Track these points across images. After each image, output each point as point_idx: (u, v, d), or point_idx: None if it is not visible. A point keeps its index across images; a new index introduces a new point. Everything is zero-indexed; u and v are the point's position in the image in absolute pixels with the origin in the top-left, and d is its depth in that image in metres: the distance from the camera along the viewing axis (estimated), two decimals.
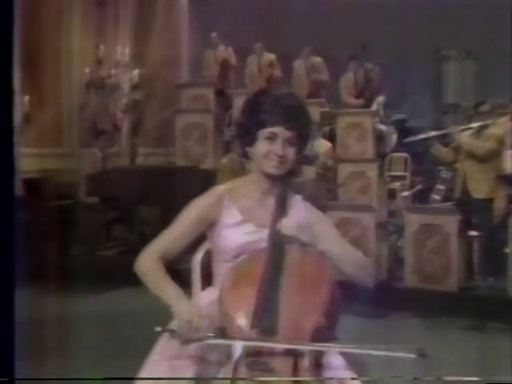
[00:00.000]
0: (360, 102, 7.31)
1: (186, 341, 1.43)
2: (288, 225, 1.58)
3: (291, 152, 1.64)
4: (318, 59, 7.59)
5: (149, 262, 1.61)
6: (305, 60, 7.57)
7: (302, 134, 1.66)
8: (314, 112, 6.20)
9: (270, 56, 7.73)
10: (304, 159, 1.73)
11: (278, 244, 1.58)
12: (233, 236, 1.65)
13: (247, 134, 1.67)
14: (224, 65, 7.78)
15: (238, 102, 6.35)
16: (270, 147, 1.63)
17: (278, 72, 7.69)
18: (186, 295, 1.55)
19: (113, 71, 6.85)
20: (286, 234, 1.57)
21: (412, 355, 1.35)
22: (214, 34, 7.71)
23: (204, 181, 5.42)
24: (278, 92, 1.67)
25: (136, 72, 6.87)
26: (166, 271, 1.61)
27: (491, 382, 1.44)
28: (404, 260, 4.87)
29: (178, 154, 6.46)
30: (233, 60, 7.81)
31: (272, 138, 1.63)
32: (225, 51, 7.86)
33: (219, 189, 1.71)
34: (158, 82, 7.25)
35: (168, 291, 1.55)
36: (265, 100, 1.63)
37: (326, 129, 6.74)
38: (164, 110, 7.12)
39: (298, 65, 7.60)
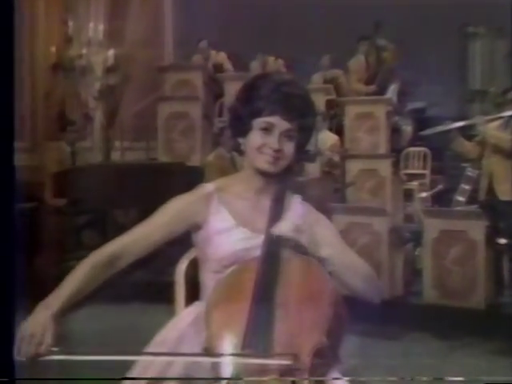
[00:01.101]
0: (372, 88, 7.37)
1: (30, 356, 1.41)
2: (284, 227, 1.62)
3: (289, 147, 1.67)
4: (337, 71, 7.66)
5: (84, 264, 1.61)
6: (325, 72, 7.66)
7: (303, 127, 1.69)
8: (319, 100, 6.26)
9: (277, 63, 7.84)
10: (305, 155, 1.75)
11: (273, 251, 1.60)
12: (224, 243, 1.67)
13: (240, 123, 1.70)
14: (217, 69, 7.81)
15: (231, 89, 6.40)
16: (265, 139, 1.66)
17: None
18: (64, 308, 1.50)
19: (84, 51, 6.86)
20: (281, 236, 1.60)
21: None
22: (203, 43, 7.65)
23: (191, 180, 5.45)
24: (279, 77, 1.71)
25: (111, 52, 6.87)
26: (103, 278, 1.60)
27: (491, 381, 1.48)
28: (422, 272, 4.91)
29: (160, 148, 6.51)
30: (227, 65, 7.87)
31: (268, 128, 1.66)
32: (217, 55, 7.92)
33: (207, 187, 1.74)
34: (136, 64, 7.26)
35: (54, 294, 1.53)
36: (263, 85, 1.66)
37: (333, 120, 6.80)
38: (144, 97, 7.14)
39: (317, 79, 7.65)
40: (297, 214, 1.72)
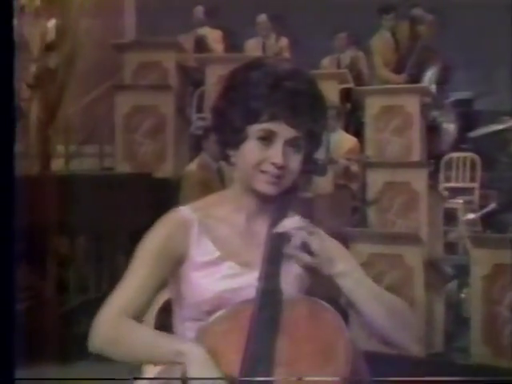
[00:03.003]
0: (403, 77, 7.41)
1: None
2: (290, 223, 1.68)
3: (296, 160, 1.71)
4: (356, 53, 7.79)
5: (117, 324, 1.66)
6: (340, 54, 7.77)
7: (312, 133, 1.73)
8: (332, 89, 6.33)
9: (282, 41, 7.96)
10: (313, 167, 1.79)
11: (273, 292, 1.65)
12: (206, 281, 1.72)
13: (229, 130, 1.73)
14: (200, 44, 7.94)
15: (214, 75, 6.46)
16: (265, 153, 1.69)
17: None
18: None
19: (15, 22, 6.87)
20: (287, 233, 1.66)
21: None
22: (198, 11, 7.86)
23: (160, 197, 5.49)
24: (280, 67, 1.73)
25: (52, 23, 6.87)
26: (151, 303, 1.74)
27: (491, 381, 1.57)
28: (469, 321, 4.93)
29: (118, 154, 6.52)
30: (213, 44, 8.00)
31: (268, 138, 1.69)
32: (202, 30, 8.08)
33: (184, 211, 1.77)
34: (86, 39, 7.29)
35: (165, 340, 1.65)
36: (259, 79, 1.69)
37: (350, 116, 6.87)
38: (96, 85, 7.19)
39: (330, 62, 7.79)
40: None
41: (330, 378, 1.55)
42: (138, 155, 6.43)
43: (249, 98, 1.69)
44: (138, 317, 1.70)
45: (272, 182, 1.70)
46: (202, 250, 1.74)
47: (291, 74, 1.72)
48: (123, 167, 6.42)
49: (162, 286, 1.75)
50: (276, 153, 1.68)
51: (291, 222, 1.69)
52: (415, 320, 1.77)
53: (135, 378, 1.76)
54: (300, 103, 1.69)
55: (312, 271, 1.75)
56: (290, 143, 1.70)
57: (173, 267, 1.75)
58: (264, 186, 1.71)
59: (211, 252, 1.74)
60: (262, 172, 1.70)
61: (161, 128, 6.47)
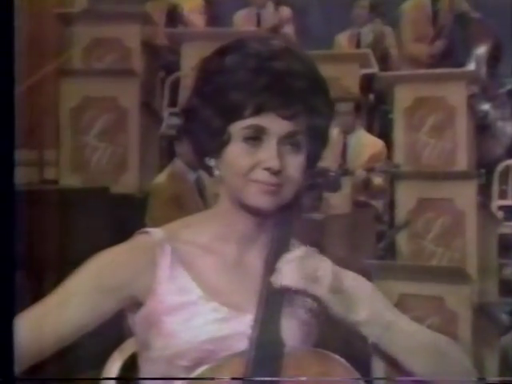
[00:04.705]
0: (439, 46, 7.49)
1: None
2: (291, 274, 1.68)
3: (296, 164, 1.72)
4: (381, 28, 7.88)
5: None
6: (359, 29, 7.87)
7: (314, 127, 1.75)
8: (350, 75, 6.38)
9: (282, 11, 8.04)
10: (323, 178, 1.82)
11: (271, 343, 1.66)
12: (182, 328, 1.72)
13: (207, 134, 1.75)
14: (174, 16, 7.99)
15: (191, 57, 6.46)
16: (255, 157, 1.70)
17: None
18: None
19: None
20: (287, 287, 1.67)
21: None
22: None
23: (119, 218, 5.49)
24: (264, 47, 1.75)
25: None
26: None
27: (491, 381, 1.65)
28: None
29: (64, 162, 6.50)
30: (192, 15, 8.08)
31: (257, 137, 1.71)
32: None
33: (154, 235, 1.79)
34: (20, 10, 7.34)
35: None
36: (237, 63, 1.71)
37: (373, 111, 6.92)
38: (33, 69, 7.21)
39: (347, 39, 7.89)
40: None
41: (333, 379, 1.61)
42: (91, 164, 6.40)
43: (226, 89, 1.71)
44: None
45: (268, 192, 1.71)
46: (176, 286, 1.75)
47: (279, 53, 1.73)
48: (71, 179, 6.40)
49: (84, 331, 1.76)
50: (269, 154, 1.70)
51: (291, 273, 1.68)
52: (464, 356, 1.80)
53: (136, 379, 1.80)
54: (293, 88, 1.70)
55: (322, 316, 1.77)
56: (286, 141, 1.71)
57: (118, 309, 1.77)
58: (258, 198, 1.72)
59: (189, 289, 1.75)
60: (254, 182, 1.71)
61: (121, 127, 6.45)
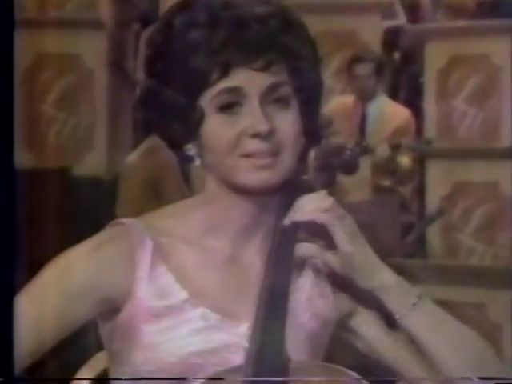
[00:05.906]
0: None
1: None
2: (301, 209, 1.74)
3: (287, 121, 1.74)
4: None
5: None
6: None
7: (300, 71, 1.77)
8: (370, 29, 6.42)
9: None
10: (337, 156, 1.82)
11: (272, 356, 1.69)
12: (165, 338, 1.77)
13: (174, 117, 1.77)
14: None
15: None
16: (237, 126, 1.72)
17: None
18: None
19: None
20: (298, 223, 1.73)
21: None
22: None
23: (83, 206, 5.54)
24: None
25: None
26: None
27: (491, 381, 1.69)
28: None
29: (17, 137, 6.56)
30: None
31: (235, 102, 1.72)
32: None
33: (130, 227, 1.81)
34: None
35: None
36: (191, 19, 1.75)
37: (400, 74, 6.96)
38: None
39: None
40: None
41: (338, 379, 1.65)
42: (49, 140, 6.50)
43: (182, 57, 1.72)
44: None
45: (262, 166, 1.72)
46: (157, 288, 1.78)
47: (238, 2, 1.74)
48: (24, 159, 6.44)
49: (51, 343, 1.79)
50: (253, 118, 1.71)
51: (303, 211, 1.75)
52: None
53: (137, 379, 1.84)
54: (259, 33, 1.71)
55: (331, 324, 1.83)
56: (269, 97, 1.72)
57: (90, 316, 1.81)
58: (251, 175, 1.73)
59: (173, 292, 1.78)
60: (244, 156, 1.73)
61: (84, 93, 6.58)
